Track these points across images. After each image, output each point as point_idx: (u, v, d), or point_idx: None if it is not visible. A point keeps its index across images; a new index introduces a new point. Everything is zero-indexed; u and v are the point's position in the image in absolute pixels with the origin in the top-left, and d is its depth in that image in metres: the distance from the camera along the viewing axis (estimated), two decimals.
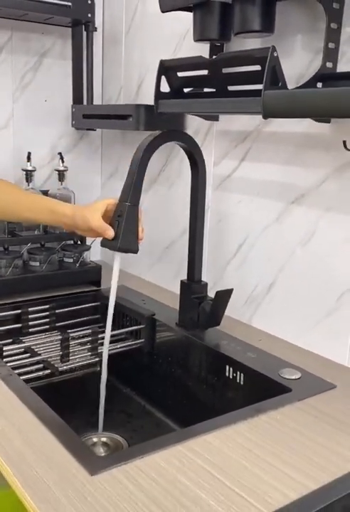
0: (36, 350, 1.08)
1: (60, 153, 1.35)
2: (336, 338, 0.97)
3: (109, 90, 1.49)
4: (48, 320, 1.23)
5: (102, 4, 1.45)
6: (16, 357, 1.04)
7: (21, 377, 0.94)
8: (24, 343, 1.13)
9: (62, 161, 1.35)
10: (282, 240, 1.06)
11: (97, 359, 1.09)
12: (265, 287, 1.10)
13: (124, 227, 0.92)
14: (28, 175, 1.29)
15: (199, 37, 1.01)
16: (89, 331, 1.13)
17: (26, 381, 0.93)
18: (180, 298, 1.10)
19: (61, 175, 1.35)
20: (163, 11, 1.04)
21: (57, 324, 1.23)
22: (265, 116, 0.85)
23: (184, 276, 1.12)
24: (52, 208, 0.93)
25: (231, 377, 0.98)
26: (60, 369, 1.04)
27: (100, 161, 1.57)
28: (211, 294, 1.09)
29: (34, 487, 0.61)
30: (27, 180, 1.30)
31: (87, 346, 1.11)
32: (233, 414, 0.79)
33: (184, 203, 1.28)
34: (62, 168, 1.35)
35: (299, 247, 1.03)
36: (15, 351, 1.06)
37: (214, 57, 0.95)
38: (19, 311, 1.19)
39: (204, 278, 1.19)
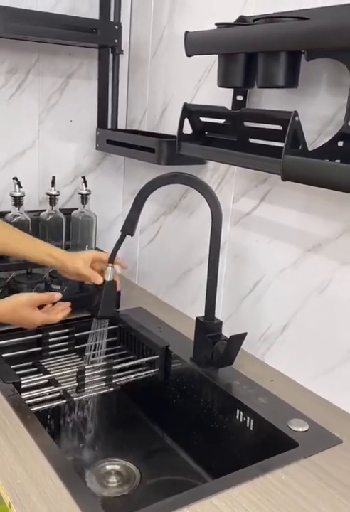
0: (54, 376, 1.12)
1: (83, 177, 1.38)
2: (345, 387, 0.99)
3: (133, 112, 1.50)
4: (67, 343, 1.28)
5: (129, 26, 1.45)
6: (34, 382, 1.08)
7: (39, 408, 1.00)
8: (43, 365, 1.19)
9: (86, 185, 1.37)
10: (297, 284, 1.07)
11: (111, 389, 1.13)
12: (279, 328, 1.12)
13: (103, 298, 1.07)
14: (52, 199, 1.32)
15: (223, 84, 1.02)
16: (105, 362, 1.16)
17: (42, 402, 1.03)
18: (195, 335, 1.13)
19: (84, 198, 1.38)
20: (188, 56, 1.04)
21: (76, 347, 1.28)
22: (284, 179, 0.86)
23: (200, 304, 1.14)
24: (50, 252, 1.08)
25: (241, 420, 1.01)
26: (75, 399, 1.08)
27: (123, 179, 1.59)
28: (226, 327, 1.12)
29: None
30: (51, 204, 1.33)
31: (102, 377, 1.15)
32: (240, 473, 0.82)
33: (203, 232, 1.30)
34: (85, 192, 1.37)
35: (314, 294, 1.04)
36: (34, 380, 1.09)
37: (236, 111, 0.96)
38: (40, 335, 1.23)
39: (219, 310, 1.22)
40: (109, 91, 1.45)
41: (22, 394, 1.00)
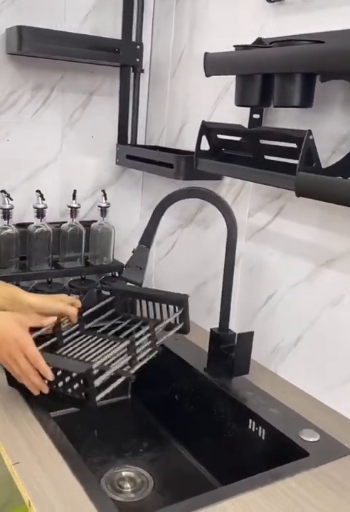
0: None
1: (103, 191, 1.42)
2: None
3: (152, 129, 1.55)
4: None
5: (150, 46, 1.50)
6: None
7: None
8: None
9: (105, 198, 1.42)
10: (310, 298, 1.10)
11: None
12: (292, 341, 1.15)
13: (131, 261, 1.11)
14: (73, 211, 1.37)
15: (240, 103, 1.05)
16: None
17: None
18: (209, 346, 1.16)
19: (103, 210, 1.42)
20: (207, 76, 1.08)
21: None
22: (298, 195, 0.89)
23: (214, 316, 1.17)
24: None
25: (253, 430, 1.03)
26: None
27: (141, 192, 1.63)
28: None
29: None
30: (71, 216, 1.38)
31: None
32: (252, 479, 0.84)
33: (218, 245, 1.33)
34: (104, 205, 1.42)
35: (327, 308, 1.07)
36: None
37: (253, 129, 0.99)
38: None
39: (233, 323, 1.25)
40: (129, 108, 1.50)
41: None
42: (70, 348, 1.07)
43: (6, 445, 0.88)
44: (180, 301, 1.17)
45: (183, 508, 0.77)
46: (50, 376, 0.92)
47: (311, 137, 0.86)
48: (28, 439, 0.90)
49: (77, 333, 1.12)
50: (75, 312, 1.07)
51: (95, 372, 0.92)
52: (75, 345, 1.08)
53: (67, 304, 1.06)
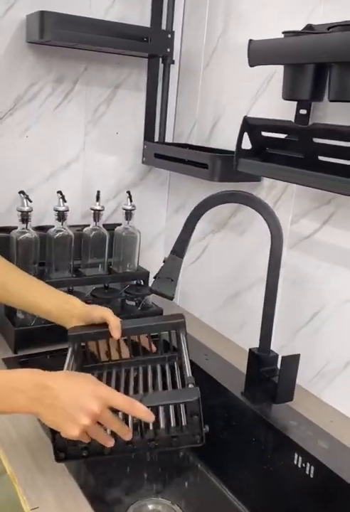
0: None
1: (128, 192, 1.31)
2: None
3: (181, 125, 1.43)
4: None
5: (181, 35, 1.38)
6: None
7: None
8: None
9: (131, 200, 1.31)
10: None
11: None
12: (341, 363, 1.02)
13: (161, 272, 0.97)
14: (96, 214, 1.26)
15: (289, 96, 0.94)
16: None
17: None
18: (247, 367, 1.04)
19: (128, 214, 1.31)
20: (251, 66, 0.96)
21: None
22: None
23: (248, 331, 1.07)
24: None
25: (300, 466, 0.91)
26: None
27: (167, 194, 1.52)
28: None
29: None
30: (95, 219, 1.27)
31: None
32: None
33: (254, 254, 1.22)
34: (129, 207, 1.31)
35: None
36: None
37: (307, 125, 0.87)
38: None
39: (273, 340, 1.13)
40: (157, 102, 1.38)
41: None
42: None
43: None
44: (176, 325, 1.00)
45: None
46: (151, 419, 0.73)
47: None
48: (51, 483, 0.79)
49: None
50: (117, 323, 0.92)
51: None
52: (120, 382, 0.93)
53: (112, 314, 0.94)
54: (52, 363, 1.18)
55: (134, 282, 1.35)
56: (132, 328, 0.97)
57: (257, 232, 1.20)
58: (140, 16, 1.33)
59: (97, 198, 1.25)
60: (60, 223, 1.21)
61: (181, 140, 1.44)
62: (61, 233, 1.21)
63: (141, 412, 0.71)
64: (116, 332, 0.91)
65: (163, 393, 0.86)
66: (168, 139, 1.45)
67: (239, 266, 1.28)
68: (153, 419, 0.73)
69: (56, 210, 1.19)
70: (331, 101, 0.87)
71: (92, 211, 1.26)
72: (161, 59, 1.34)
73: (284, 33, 0.91)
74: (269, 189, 1.17)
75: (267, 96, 1.15)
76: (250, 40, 0.95)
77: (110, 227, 1.34)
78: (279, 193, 1.14)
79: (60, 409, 0.68)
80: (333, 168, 0.85)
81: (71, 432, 0.68)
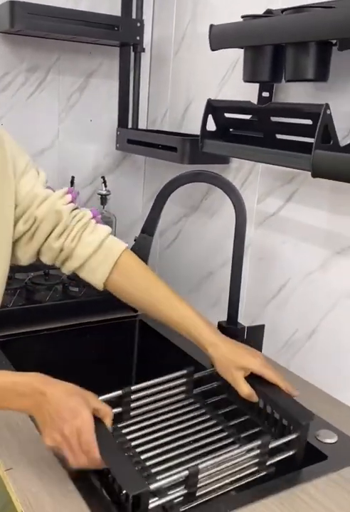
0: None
1: (103, 177, 1.35)
2: None
3: (154, 112, 1.47)
4: (152, 399, 0.91)
5: (151, 24, 1.42)
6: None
7: None
8: (131, 444, 0.86)
9: (105, 185, 1.34)
10: (326, 288, 1.03)
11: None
12: (306, 334, 1.07)
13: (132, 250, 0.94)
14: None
15: (250, 78, 0.98)
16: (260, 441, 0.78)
17: None
18: None
19: (103, 198, 1.35)
20: (213, 50, 1.01)
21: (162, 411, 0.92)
22: (314, 176, 0.82)
23: (222, 307, 1.10)
24: (214, 341, 0.87)
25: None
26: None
27: (143, 180, 1.56)
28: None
29: None
30: None
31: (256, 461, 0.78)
32: (265, 486, 0.77)
33: (225, 234, 1.26)
34: (104, 192, 1.35)
35: (343, 299, 0.99)
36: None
37: (264, 105, 0.92)
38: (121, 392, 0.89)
39: (241, 315, 1.18)
40: (130, 90, 1.42)
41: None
42: (134, 427, 0.88)
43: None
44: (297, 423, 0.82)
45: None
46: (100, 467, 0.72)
47: (328, 112, 0.79)
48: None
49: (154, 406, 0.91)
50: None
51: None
52: (143, 424, 0.88)
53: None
54: (31, 343, 1.22)
55: None
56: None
57: (226, 213, 1.25)
58: (111, 6, 1.36)
59: (72, 183, 1.29)
60: None
61: (154, 126, 1.48)
62: None
63: (94, 460, 0.70)
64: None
65: (122, 461, 0.71)
66: (143, 125, 1.49)
67: (211, 246, 1.32)
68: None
69: None
70: (287, 81, 0.91)
71: None
72: (132, 47, 1.38)
73: (242, 17, 0.96)
74: (237, 171, 1.21)
75: (233, 80, 1.20)
76: (211, 25, 0.99)
77: None
78: (246, 174, 1.19)
79: (46, 413, 0.71)
80: (291, 146, 0.89)
81: (45, 438, 0.72)
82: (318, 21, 0.80)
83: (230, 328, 1.06)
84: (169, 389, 0.93)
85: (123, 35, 1.30)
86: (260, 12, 1.04)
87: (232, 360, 0.85)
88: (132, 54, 1.39)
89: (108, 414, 0.75)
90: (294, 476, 0.79)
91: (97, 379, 1.18)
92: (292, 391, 0.86)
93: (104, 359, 1.29)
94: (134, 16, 1.35)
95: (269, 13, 1.01)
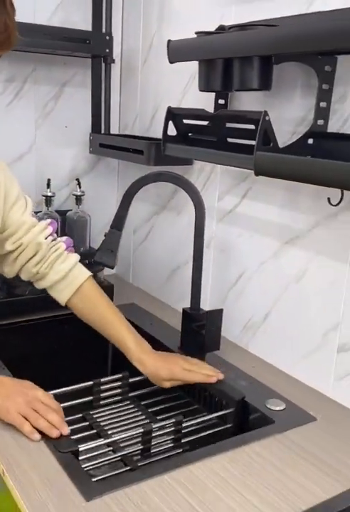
0: (116, 440, 0.98)
1: (77, 179, 1.45)
2: (321, 370, 1.06)
3: (125, 118, 1.58)
4: (120, 390, 1.15)
5: (121, 36, 1.53)
6: (93, 454, 0.92)
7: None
8: (96, 420, 1.09)
9: (80, 187, 1.45)
10: (277, 275, 1.14)
11: (179, 450, 1.01)
12: (261, 317, 1.19)
13: (103, 245, 1.14)
14: (48, 200, 1.40)
15: (204, 88, 1.09)
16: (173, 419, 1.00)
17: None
18: (182, 325, 1.20)
19: (78, 199, 1.45)
20: (171, 63, 1.12)
21: (131, 394, 1.16)
22: (257, 174, 0.93)
23: (189, 298, 1.21)
24: (140, 357, 1.06)
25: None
26: (139, 465, 0.95)
27: (117, 181, 1.66)
28: None
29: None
30: (46, 205, 1.41)
31: (170, 437, 1.00)
32: (218, 445, 0.88)
33: (191, 229, 1.37)
34: (79, 193, 1.45)
35: (292, 284, 1.11)
36: (93, 446, 0.92)
37: (215, 113, 1.03)
38: (91, 382, 1.11)
39: (207, 302, 1.29)
40: (102, 98, 1.53)
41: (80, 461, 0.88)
42: (101, 413, 1.12)
43: None
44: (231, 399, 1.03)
45: (152, 470, 0.81)
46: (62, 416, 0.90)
47: (267, 118, 0.90)
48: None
49: (120, 397, 1.15)
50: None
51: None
52: (107, 412, 1.12)
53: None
54: (12, 333, 1.32)
55: (87, 261, 1.48)
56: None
57: (191, 211, 1.35)
58: (83, 19, 1.47)
59: (48, 185, 1.39)
60: None
61: (126, 131, 1.59)
62: None
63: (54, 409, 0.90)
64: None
65: None
66: (115, 130, 1.60)
67: (178, 242, 1.43)
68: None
69: None
70: (235, 91, 1.03)
71: (44, 197, 1.40)
72: (102, 59, 1.48)
73: (196, 33, 1.07)
74: (199, 171, 1.32)
75: (194, 88, 1.30)
76: (169, 41, 1.10)
77: (63, 213, 1.48)
78: (207, 174, 1.30)
79: (3, 391, 0.89)
80: (239, 148, 1.01)
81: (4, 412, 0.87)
82: (257, 39, 0.92)
83: (193, 313, 1.18)
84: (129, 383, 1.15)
85: (94, 48, 1.41)
86: (216, 25, 1.16)
87: (156, 374, 1.05)
88: (103, 65, 1.50)
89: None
90: (243, 437, 0.91)
91: (75, 368, 1.30)
92: (217, 377, 1.06)
93: (81, 349, 1.39)
94: (103, 30, 1.46)
95: (221, 29, 1.12)
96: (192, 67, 1.29)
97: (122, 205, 1.13)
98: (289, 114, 1.07)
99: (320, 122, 0.98)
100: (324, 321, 1.04)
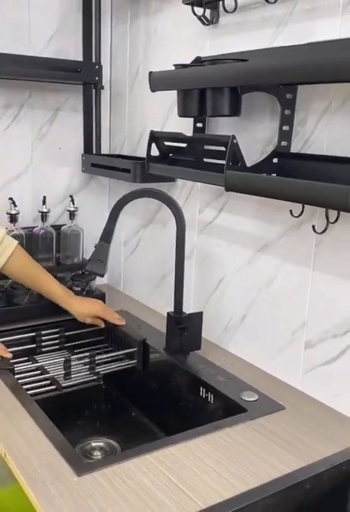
0: (45, 367, 1.31)
1: (71, 196, 1.58)
2: (291, 365, 1.17)
3: (115, 139, 1.71)
4: (58, 341, 1.46)
5: (110, 65, 1.67)
6: (28, 374, 1.28)
7: (31, 391, 1.20)
8: (37, 361, 1.35)
9: (73, 203, 1.57)
10: (251, 280, 1.26)
11: (94, 377, 1.33)
12: (239, 319, 1.31)
13: (93, 256, 1.28)
14: (43, 216, 1.52)
15: (182, 114, 1.22)
16: (89, 353, 1.36)
17: (36, 394, 1.22)
18: (166, 327, 1.32)
19: (72, 214, 1.57)
20: (153, 91, 1.25)
21: (66, 345, 1.47)
22: (227, 190, 1.06)
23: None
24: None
25: (204, 396, 1.19)
26: (63, 385, 1.27)
27: (108, 198, 1.79)
28: None
29: (36, 485, 0.83)
30: (42, 220, 1.53)
31: (87, 366, 1.34)
32: (196, 430, 1.00)
33: (175, 241, 1.49)
34: (72, 209, 1.57)
35: (264, 288, 1.23)
36: (27, 368, 1.30)
37: (192, 136, 1.16)
38: (34, 333, 1.42)
39: (191, 307, 1.41)
40: (93, 121, 1.65)
41: (17, 379, 1.19)
42: (43, 357, 1.40)
43: None
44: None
45: (136, 451, 0.92)
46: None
47: (235, 141, 1.03)
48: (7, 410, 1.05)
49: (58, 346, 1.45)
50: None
51: None
52: (47, 355, 1.41)
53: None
54: None
55: (80, 272, 1.61)
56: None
57: (174, 223, 1.48)
58: (74, 50, 1.60)
59: (43, 202, 1.52)
60: (13, 225, 1.46)
61: (115, 152, 1.72)
62: (13, 233, 1.46)
63: None
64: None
65: None
66: (106, 151, 1.73)
67: (164, 253, 1.55)
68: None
69: (8, 214, 1.45)
70: (209, 116, 1.15)
71: (40, 213, 1.52)
72: (93, 86, 1.61)
73: (174, 65, 1.20)
74: (181, 188, 1.45)
75: (175, 113, 1.43)
76: (150, 72, 1.23)
77: (58, 227, 1.60)
78: (189, 190, 1.43)
79: None
80: (214, 167, 1.13)
81: None
82: (226, 72, 1.04)
83: (176, 316, 1.29)
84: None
85: (84, 77, 1.54)
86: (194, 56, 1.29)
87: (81, 312, 1.40)
88: (93, 91, 1.63)
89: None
90: (218, 423, 1.02)
91: None
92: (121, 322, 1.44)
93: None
94: (93, 60, 1.59)
95: (198, 60, 1.26)
96: (173, 94, 1.41)
97: (110, 219, 1.25)
98: (259, 136, 1.19)
99: (283, 143, 1.10)
100: (292, 320, 1.16)
